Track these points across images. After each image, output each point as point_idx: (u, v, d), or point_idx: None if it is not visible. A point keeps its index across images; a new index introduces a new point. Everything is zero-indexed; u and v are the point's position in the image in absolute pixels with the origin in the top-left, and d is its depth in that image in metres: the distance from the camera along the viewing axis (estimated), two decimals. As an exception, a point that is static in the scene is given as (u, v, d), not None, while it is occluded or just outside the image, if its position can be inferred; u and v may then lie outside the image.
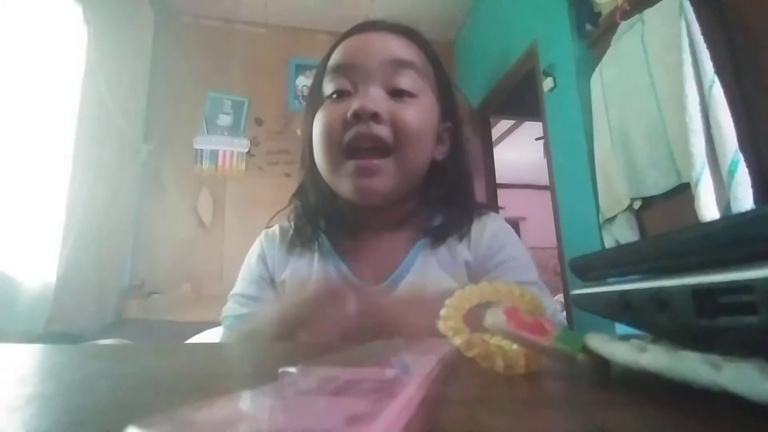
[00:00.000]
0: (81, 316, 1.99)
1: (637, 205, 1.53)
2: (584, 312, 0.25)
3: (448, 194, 0.59)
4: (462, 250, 0.57)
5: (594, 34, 1.83)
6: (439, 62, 0.64)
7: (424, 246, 0.57)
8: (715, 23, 1.23)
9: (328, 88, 0.56)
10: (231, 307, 0.59)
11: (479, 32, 2.93)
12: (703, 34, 1.19)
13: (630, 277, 0.21)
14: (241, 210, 2.71)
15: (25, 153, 1.84)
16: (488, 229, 0.59)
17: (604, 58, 1.65)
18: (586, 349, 0.20)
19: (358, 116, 0.50)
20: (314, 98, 0.60)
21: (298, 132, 2.85)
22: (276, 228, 0.65)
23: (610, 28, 1.63)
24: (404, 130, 0.51)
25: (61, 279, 1.91)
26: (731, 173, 1.08)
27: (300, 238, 0.59)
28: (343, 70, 0.55)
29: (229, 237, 2.66)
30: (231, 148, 2.77)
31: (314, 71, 0.62)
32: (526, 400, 0.20)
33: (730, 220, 0.16)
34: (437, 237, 0.57)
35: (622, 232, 1.59)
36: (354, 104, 0.50)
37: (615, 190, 1.61)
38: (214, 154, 2.74)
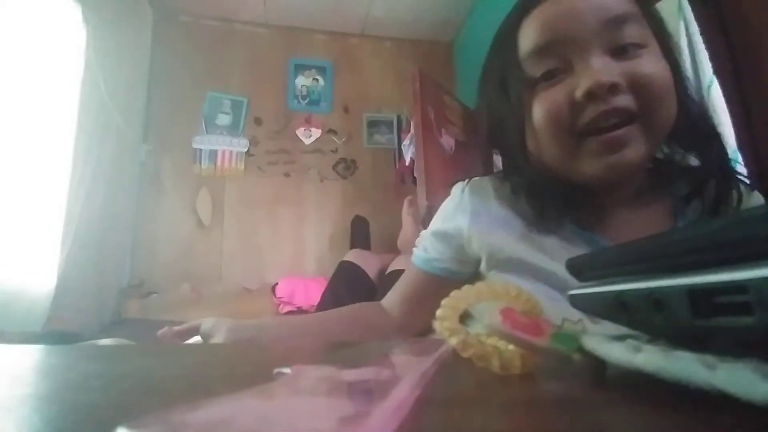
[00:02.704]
0: (80, 315, 1.99)
1: (636, 205, 1.53)
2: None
3: (696, 150, 0.51)
4: None
5: (593, 34, 1.83)
6: (646, 2, 0.52)
7: (688, 221, 0.50)
8: (714, 23, 1.23)
9: (535, 70, 0.48)
10: (419, 252, 0.62)
11: (479, 33, 2.93)
12: (702, 34, 1.18)
13: (626, 277, 0.21)
14: (241, 210, 2.71)
15: (25, 153, 1.84)
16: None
17: (603, 59, 1.65)
18: (581, 349, 0.20)
19: (594, 95, 0.43)
20: (502, 79, 0.52)
21: (297, 132, 2.86)
22: (486, 180, 0.59)
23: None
24: (649, 89, 0.44)
25: (61, 279, 1.90)
26: (730, 173, 1.09)
27: (537, 226, 0.52)
28: (551, 48, 0.47)
29: (229, 237, 2.66)
30: (230, 147, 2.76)
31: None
32: (522, 400, 0.20)
33: (726, 221, 0.16)
34: (699, 211, 0.50)
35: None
36: (583, 82, 0.43)
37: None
38: (213, 154, 2.73)
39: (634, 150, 0.45)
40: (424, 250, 0.62)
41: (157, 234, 2.56)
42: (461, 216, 0.57)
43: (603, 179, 0.47)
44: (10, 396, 0.18)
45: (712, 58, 1.16)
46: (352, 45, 3.12)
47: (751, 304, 0.14)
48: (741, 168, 1.07)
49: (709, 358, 0.15)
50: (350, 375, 0.16)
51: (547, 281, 0.49)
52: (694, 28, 1.19)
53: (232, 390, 0.12)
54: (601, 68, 0.44)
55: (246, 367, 0.27)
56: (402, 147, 2.67)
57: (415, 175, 2.20)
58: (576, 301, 0.25)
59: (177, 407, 0.09)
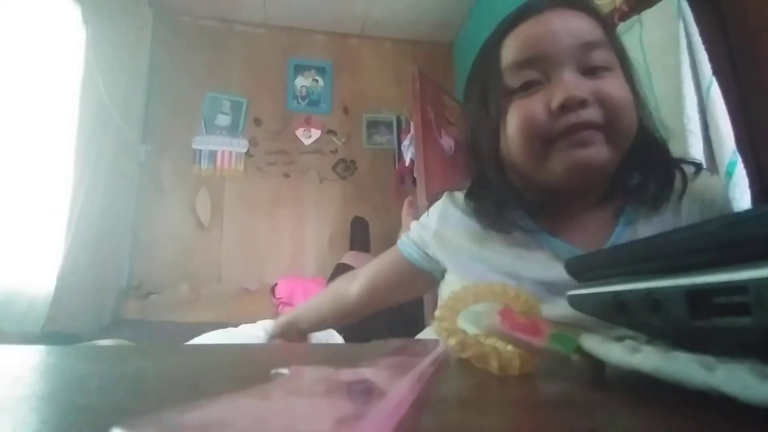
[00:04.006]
0: (79, 316, 1.99)
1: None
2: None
3: (643, 157, 0.56)
4: (683, 217, 0.55)
5: (592, 35, 1.83)
6: (609, 26, 0.59)
7: (630, 215, 0.55)
8: (713, 24, 1.23)
9: (514, 81, 0.53)
10: (406, 239, 0.69)
11: (479, 33, 2.93)
12: (702, 35, 1.18)
13: (625, 278, 0.21)
14: (240, 210, 2.71)
15: (25, 153, 1.84)
16: (708, 191, 0.56)
17: (603, 59, 1.65)
18: (580, 350, 0.20)
19: (566, 107, 0.48)
20: (483, 89, 0.58)
21: (297, 133, 2.86)
22: (461, 193, 0.65)
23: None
24: (613, 105, 0.50)
25: (60, 279, 1.90)
26: (729, 174, 1.08)
27: (494, 228, 0.57)
28: (530, 62, 0.52)
29: (228, 237, 2.66)
30: (229, 148, 2.76)
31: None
32: (521, 400, 0.20)
33: (724, 221, 0.16)
34: (641, 200, 0.55)
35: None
36: (557, 95, 0.49)
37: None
38: (212, 155, 2.73)
39: (598, 151, 0.50)
40: (407, 236, 0.70)
41: (157, 234, 2.55)
42: (434, 217, 0.65)
43: (568, 178, 0.51)
44: (8, 396, 0.18)
45: (711, 59, 1.16)
46: (352, 45, 3.12)
47: (749, 304, 0.14)
48: (741, 168, 1.07)
49: (708, 359, 0.15)
50: (348, 375, 0.16)
51: (503, 277, 0.54)
52: (694, 28, 1.19)
53: (229, 391, 0.12)
54: (573, 83, 0.50)
55: (243, 367, 0.27)
56: (402, 147, 2.67)
57: (415, 175, 2.20)
58: (574, 302, 0.25)
59: (174, 408, 0.09)
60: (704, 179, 0.58)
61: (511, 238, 0.57)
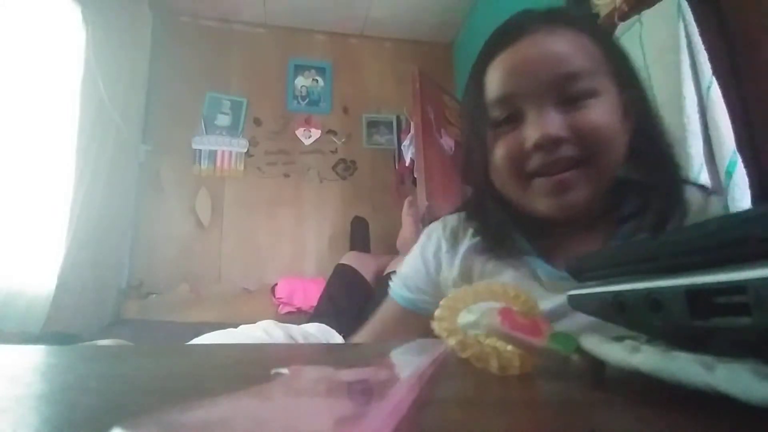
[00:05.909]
0: (79, 316, 1.98)
1: (635, 205, 1.53)
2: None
3: (647, 172, 0.54)
4: None
5: (592, 35, 1.82)
6: (606, 36, 0.55)
7: (627, 236, 0.53)
8: (713, 24, 1.23)
9: (498, 114, 0.53)
10: (397, 287, 0.66)
11: (479, 33, 2.93)
12: (702, 35, 1.18)
13: (624, 278, 0.21)
14: (240, 210, 2.70)
15: (25, 154, 1.84)
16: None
17: (603, 59, 1.65)
18: (580, 350, 0.20)
19: (541, 146, 0.48)
20: (473, 111, 0.57)
21: (297, 133, 2.85)
22: (456, 216, 0.65)
23: (609, 30, 1.63)
24: (594, 138, 0.48)
25: (60, 279, 1.90)
26: (729, 174, 1.08)
27: (493, 250, 0.58)
28: (508, 99, 0.52)
29: (228, 237, 2.66)
30: (229, 148, 2.76)
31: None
32: (521, 400, 0.20)
33: (724, 221, 0.16)
34: (636, 228, 0.52)
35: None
36: (530, 134, 0.48)
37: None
38: (212, 155, 2.73)
39: (578, 193, 0.49)
40: (407, 289, 0.65)
41: (157, 235, 2.55)
42: (437, 258, 0.63)
43: (553, 217, 0.52)
44: (8, 396, 0.18)
45: (711, 59, 1.16)
46: (352, 45, 3.12)
47: (749, 304, 0.14)
48: (740, 168, 1.07)
49: (708, 359, 0.15)
50: (348, 375, 0.16)
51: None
52: (694, 28, 1.19)
53: (229, 390, 0.12)
54: (548, 122, 0.48)
55: (244, 367, 0.27)
56: (402, 147, 2.67)
57: (415, 175, 2.20)
58: (574, 302, 0.25)
59: (174, 407, 0.09)
60: (717, 205, 0.55)
61: (518, 264, 0.56)
